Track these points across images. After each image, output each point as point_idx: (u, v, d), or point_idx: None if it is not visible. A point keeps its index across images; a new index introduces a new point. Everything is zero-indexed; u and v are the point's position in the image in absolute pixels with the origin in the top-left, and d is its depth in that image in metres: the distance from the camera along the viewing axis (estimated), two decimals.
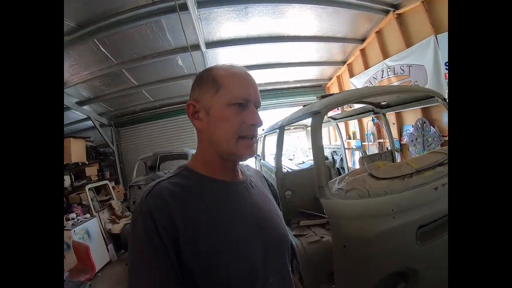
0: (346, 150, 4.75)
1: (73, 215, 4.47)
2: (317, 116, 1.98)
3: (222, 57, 5.63)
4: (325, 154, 5.65)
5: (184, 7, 3.52)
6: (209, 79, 0.81)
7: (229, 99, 0.78)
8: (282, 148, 2.20)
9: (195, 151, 0.90)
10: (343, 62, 6.56)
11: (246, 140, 0.80)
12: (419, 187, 1.68)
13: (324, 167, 1.99)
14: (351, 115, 4.19)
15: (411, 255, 1.63)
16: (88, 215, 4.64)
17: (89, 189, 5.07)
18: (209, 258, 0.71)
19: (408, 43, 4.35)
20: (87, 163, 6.44)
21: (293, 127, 7.53)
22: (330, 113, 4.56)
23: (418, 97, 2.57)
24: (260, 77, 7.11)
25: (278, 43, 5.33)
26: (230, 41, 5.10)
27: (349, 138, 6.79)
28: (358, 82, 5.76)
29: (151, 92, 6.90)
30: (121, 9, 3.70)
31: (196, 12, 3.87)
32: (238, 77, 0.81)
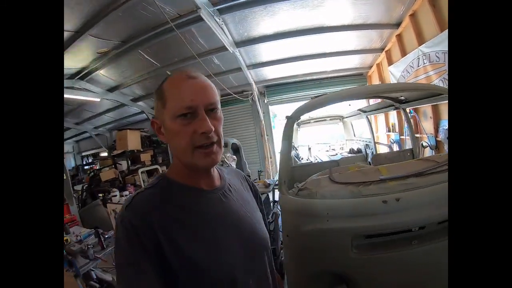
0: (378, 144, 4.55)
1: (126, 192, 5.43)
2: (289, 120, 2.12)
3: (262, 52, 6.03)
4: (359, 147, 5.49)
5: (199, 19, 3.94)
6: (159, 94, 0.79)
7: (173, 112, 0.74)
8: (291, 140, 2.21)
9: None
10: (381, 49, 6.08)
11: (202, 149, 0.77)
12: (368, 197, 1.59)
13: (288, 166, 2.10)
14: (375, 109, 3.98)
15: (345, 262, 1.60)
16: None
17: (142, 172, 6.07)
18: (190, 267, 0.71)
19: (442, 26, 3.78)
20: (142, 150, 7.65)
21: (329, 118, 7.39)
22: (360, 105, 4.35)
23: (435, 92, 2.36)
24: (297, 68, 7.12)
25: (313, 35, 5.23)
26: (266, 37, 5.26)
27: (389, 131, 6.30)
28: (396, 70, 5.29)
29: None
30: (154, 25, 4.32)
31: (219, 20, 4.23)
32: (178, 85, 0.76)
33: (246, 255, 0.81)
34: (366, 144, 4.73)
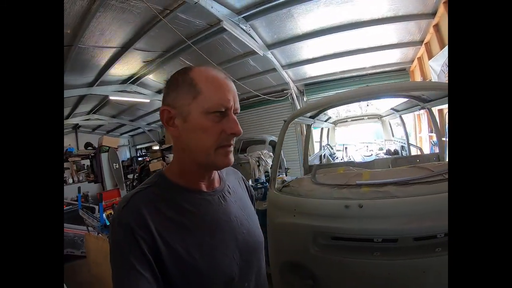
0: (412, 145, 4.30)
1: None
2: (285, 124, 2.26)
3: (299, 51, 6.10)
4: (396, 148, 5.20)
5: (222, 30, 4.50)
6: (186, 83, 0.73)
7: (208, 107, 0.71)
8: (282, 142, 2.35)
9: (172, 158, 0.84)
10: (421, 42, 5.60)
11: (224, 149, 0.75)
12: (336, 199, 1.61)
13: (277, 165, 2.26)
14: (405, 108, 3.75)
15: (305, 256, 1.64)
16: None
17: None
18: (187, 272, 0.69)
19: None
20: None
21: (367, 117, 7.09)
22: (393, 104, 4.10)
23: None
24: (336, 65, 6.98)
25: (348, 31, 5.09)
26: (301, 36, 5.34)
27: (431, 131, 5.93)
28: (435, 65, 4.74)
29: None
30: (189, 36, 4.82)
31: (245, 27, 4.71)
32: (217, 82, 0.74)
33: (242, 259, 0.80)
34: (402, 146, 4.47)
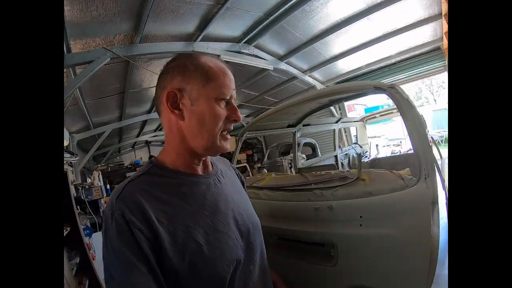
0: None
1: None
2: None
3: (321, 51, 5.95)
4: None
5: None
6: (197, 69, 0.75)
7: (218, 93, 0.74)
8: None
9: (165, 144, 0.83)
10: (439, 15, 4.82)
11: (225, 134, 0.78)
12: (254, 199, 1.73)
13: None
14: None
15: None
16: None
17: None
18: (191, 256, 0.66)
19: None
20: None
21: (395, 111, 7.03)
22: None
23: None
24: (358, 60, 6.68)
25: (364, 18, 4.69)
26: (316, 37, 5.22)
27: None
28: None
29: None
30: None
31: (248, 50, 5.05)
32: (225, 71, 0.78)
33: (244, 241, 0.80)
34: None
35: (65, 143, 5.56)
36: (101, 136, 7.13)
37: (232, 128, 0.80)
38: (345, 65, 7.06)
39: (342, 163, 5.54)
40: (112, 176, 10.20)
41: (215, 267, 0.69)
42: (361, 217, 1.55)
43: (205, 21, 3.88)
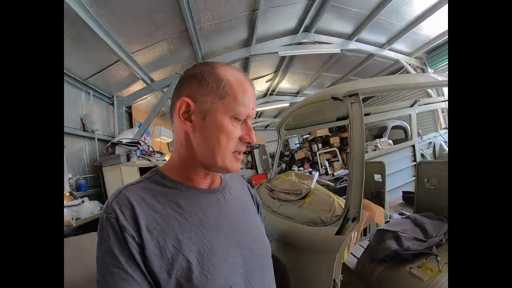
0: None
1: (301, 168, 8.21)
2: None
3: (398, 16, 4.88)
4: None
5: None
6: (214, 80, 0.69)
7: (235, 112, 0.69)
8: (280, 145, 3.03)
9: (172, 153, 0.79)
10: None
11: (237, 155, 0.73)
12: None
13: (268, 167, 2.36)
14: None
15: None
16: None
17: (319, 154, 7.92)
18: (179, 275, 0.62)
19: None
20: (330, 135, 9.07)
21: None
22: None
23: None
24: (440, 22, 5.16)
25: None
26: None
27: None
28: None
29: None
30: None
31: (307, 39, 5.05)
32: (246, 88, 0.71)
33: (246, 267, 0.72)
34: None
35: (170, 139, 6.69)
36: None
37: (244, 149, 0.74)
38: (431, 30, 5.41)
39: (422, 154, 4.68)
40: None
41: None
42: (272, 234, 1.64)
43: (252, 25, 4.27)
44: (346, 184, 1.59)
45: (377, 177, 3.17)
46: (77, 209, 2.69)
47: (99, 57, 3.60)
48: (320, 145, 8.94)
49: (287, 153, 11.60)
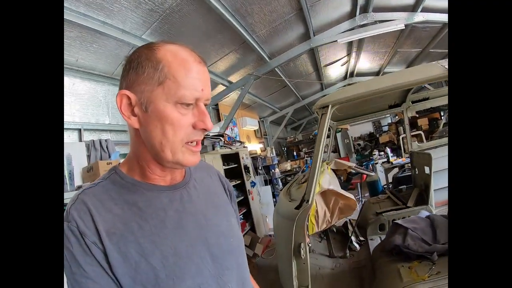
0: None
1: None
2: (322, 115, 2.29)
3: None
4: None
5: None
6: (150, 64, 0.60)
7: (178, 97, 0.60)
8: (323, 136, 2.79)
9: (129, 152, 0.72)
10: None
11: (191, 146, 0.65)
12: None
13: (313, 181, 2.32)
14: None
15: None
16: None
17: (402, 138, 6.82)
18: (144, 281, 0.59)
19: None
20: (417, 116, 8.58)
21: None
22: None
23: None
24: None
25: None
26: None
27: None
28: None
29: None
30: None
31: (367, 19, 4.84)
32: (189, 66, 0.61)
33: (216, 265, 0.69)
34: None
35: (256, 127, 8.36)
36: (286, 116, 9.60)
37: (201, 137, 0.66)
38: None
39: None
40: (300, 144, 12.28)
41: None
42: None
43: (306, 20, 4.42)
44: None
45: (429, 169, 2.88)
46: None
47: None
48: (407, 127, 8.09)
49: (378, 135, 11.30)
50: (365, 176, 5.50)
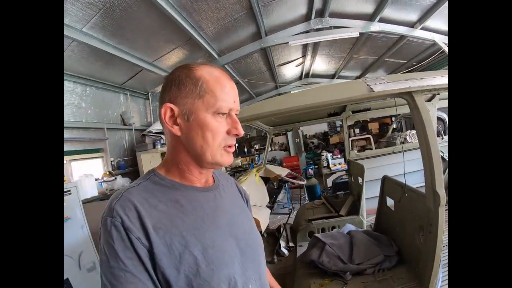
0: None
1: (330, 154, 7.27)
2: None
3: None
4: None
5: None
6: (191, 81, 0.71)
7: (216, 108, 0.71)
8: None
9: (166, 155, 0.80)
10: None
11: (228, 149, 0.75)
12: None
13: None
14: None
15: None
16: None
17: (351, 140, 6.92)
18: (187, 270, 0.64)
19: None
20: (368, 120, 8.25)
21: None
22: None
23: None
24: None
25: None
26: None
27: None
28: None
29: None
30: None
31: (322, 24, 4.94)
32: (223, 83, 0.73)
33: (243, 258, 0.76)
34: None
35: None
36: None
37: (234, 142, 0.76)
38: None
39: (443, 157, 4.33)
40: (253, 141, 12.02)
41: (211, 284, 0.66)
42: None
43: (258, 20, 4.38)
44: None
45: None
46: (111, 183, 4.18)
47: (130, 69, 4.70)
48: (357, 130, 8.01)
49: (330, 136, 11.18)
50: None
